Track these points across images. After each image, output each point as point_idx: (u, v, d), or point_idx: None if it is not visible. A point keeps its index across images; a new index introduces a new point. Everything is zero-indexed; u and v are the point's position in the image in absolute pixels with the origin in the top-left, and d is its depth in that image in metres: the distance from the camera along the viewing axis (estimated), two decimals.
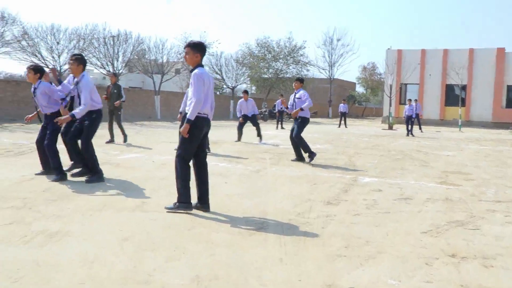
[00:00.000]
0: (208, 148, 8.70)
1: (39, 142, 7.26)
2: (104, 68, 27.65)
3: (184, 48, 5.47)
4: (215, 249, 4.10)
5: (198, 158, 5.48)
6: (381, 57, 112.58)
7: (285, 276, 3.54)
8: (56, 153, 6.99)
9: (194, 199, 5.47)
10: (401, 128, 27.74)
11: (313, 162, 9.97)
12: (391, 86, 31.44)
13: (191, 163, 5.41)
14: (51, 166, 7.10)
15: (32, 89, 7.21)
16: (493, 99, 36.95)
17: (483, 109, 37.14)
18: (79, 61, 7.05)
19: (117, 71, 27.73)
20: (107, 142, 12.62)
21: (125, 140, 12.98)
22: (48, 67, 25.01)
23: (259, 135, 15.17)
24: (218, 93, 47.34)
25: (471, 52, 37.44)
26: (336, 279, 3.51)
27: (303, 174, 8.49)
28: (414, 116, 23.06)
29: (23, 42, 23.36)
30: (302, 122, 10.14)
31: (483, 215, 5.64)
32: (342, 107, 29.69)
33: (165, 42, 36.73)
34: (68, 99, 7.28)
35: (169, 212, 5.31)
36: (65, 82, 7.50)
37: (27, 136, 13.96)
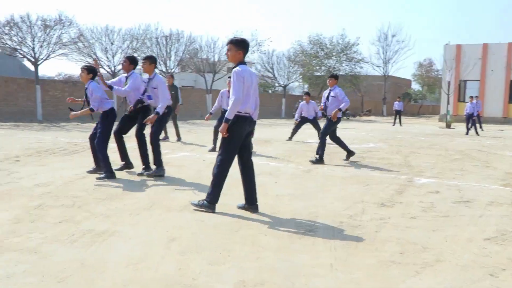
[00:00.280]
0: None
1: (92, 139, 7.38)
2: (157, 68, 28.03)
3: (227, 45, 5.32)
4: (261, 253, 3.96)
5: (243, 159, 5.36)
6: (438, 53, 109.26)
7: (334, 284, 3.35)
8: (104, 151, 7.09)
9: (242, 200, 5.37)
10: (460, 127, 26.69)
11: (365, 162, 9.66)
12: (449, 82, 30.28)
13: (236, 164, 5.30)
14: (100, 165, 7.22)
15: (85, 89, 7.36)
16: None
17: None
18: (150, 60, 7.57)
19: (169, 71, 28.15)
20: (162, 140, 12.90)
21: (178, 139, 13.32)
22: (99, 69, 25.74)
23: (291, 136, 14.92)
24: (270, 91, 47.27)
25: None
26: None
27: (355, 174, 8.22)
28: (475, 114, 21.98)
29: (79, 44, 24.06)
30: (330, 122, 9.62)
31: None
32: (397, 105, 28.86)
33: (216, 41, 36.96)
34: (142, 96, 7.50)
35: (196, 210, 5.27)
36: (114, 80, 7.84)
37: (82, 135, 14.35)
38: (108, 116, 7.17)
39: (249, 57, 35.87)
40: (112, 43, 25.91)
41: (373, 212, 5.46)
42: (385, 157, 11.03)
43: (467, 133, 21.07)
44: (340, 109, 9.38)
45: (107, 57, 26.07)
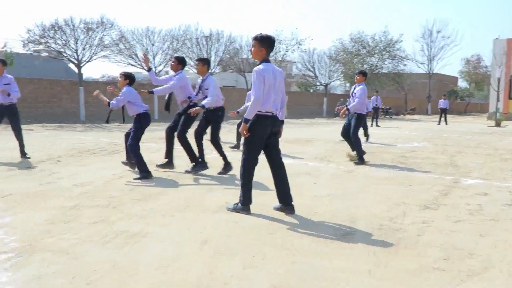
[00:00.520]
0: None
1: (127, 136, 7.48)
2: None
3: (252, 41, 5.15)
4: (297, 257, 3.80)
5: (271, 158, 5.21)
6: (487, 48, 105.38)
7: None
8: (137, 152, 7.12)
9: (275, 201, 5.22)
10: (511, 125, 25.61)
11: (408, 162, 9.31)
12: (499, 79, 29.15)
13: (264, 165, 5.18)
14: (137, 166, 7.23)
15: None
16: None
17: None
18: (203, 61, 7.87)
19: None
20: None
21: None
22: (148, 63, 26.09)
23: (366, 135, 14.44)
24: (311, 90, 46.84)
25: None
26: None
27: (398, 175, 7.92)
28: None
29: (121, 45, 24.46)
30: (357, 119, 9.34)
31: None
32: (442, 103, 27.93)
33: None
34: (195, 97, 7.75)
35: (230, 211, 5.18)
36: (164, 77, 8.35)
37: (123, 135, 14.50)
38: (140, 119, 7.26)
39: (289, 56, 35.71)
40: (153, 44, 26.25)
41: (416, 214, 5.20)
42: (430, 156, 10.62)
43: None
44: (347, 109, 9.20)
45: (148, 58, 26.39)
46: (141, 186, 6.51)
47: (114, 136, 14.35)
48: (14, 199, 5.59)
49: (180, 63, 7.78)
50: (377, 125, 23.78)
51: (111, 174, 7.39)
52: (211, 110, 7.55)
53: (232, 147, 11.16)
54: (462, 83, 67.88)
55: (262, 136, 5.03)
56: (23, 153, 8.87)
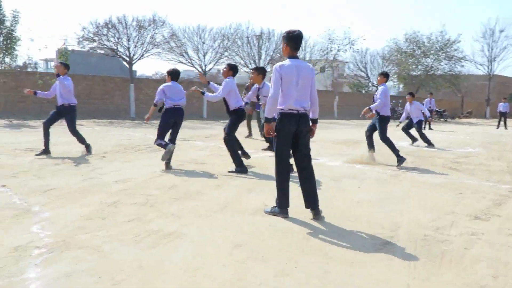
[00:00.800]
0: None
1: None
2: (248, 67, 28.28)
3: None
4: (331, 265, 3.61)
5: (296, 160, 5.02)
6: None
7: None
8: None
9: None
10: None
11: (461, 168, 8.85)
12: None
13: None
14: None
15: None
16: None
17: None
18: (258, 71, 8.51)
19: None
20: (246, 137, 13.15)
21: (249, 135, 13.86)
22: (194, 67, 26.43)
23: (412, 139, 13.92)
24: (363, 91, 45.97)
25: None
26: None
27: (448, 181, 7.52)
28: None
29: (172, 43, 24.80)
30: (381, 121, 9.22)
31: None
32: (501, 107, 26.65)
33: (307, 40, 36.51)
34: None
35: (267, 214, 5.04)
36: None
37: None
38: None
39: (341, 56, 35.15)
40: (203, 43, 26.43)
41: (464, 225, 4.87)
42: (484, 163, 10.07)
43: None
44: (369, 108, 9.18)
45: (198, 56, 26.67)
46: (180, 185, 6.47)
47: None
48: (56, 194, 5.67)
49: (231, 69, 7.91)
50: (430, 128, 22.98)
51: (153, 171, 7.41)
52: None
53: (264, 149, 10.99)
54: None
55: (287, 135, 4.86)
56: (87, 149, 9.09)
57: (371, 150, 9.58)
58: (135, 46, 22.25)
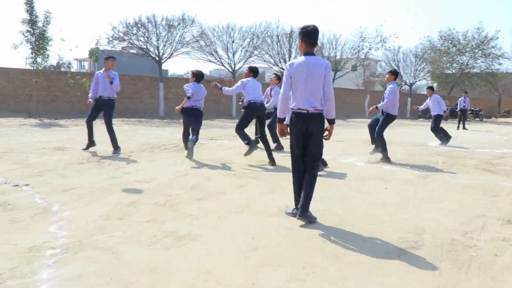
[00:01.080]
0: (324, 163, 7.91)
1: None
2: (277, 66, 28.08)
3: None
4: (350, 271, 3.45)
5: (306, 160, 4.81)
6: None
7: None
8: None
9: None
10: None
11: (495, 170, 8.50)
12: None
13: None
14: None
15: None
16: None
17: None
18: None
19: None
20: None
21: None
22: (224, 66, 26.43)
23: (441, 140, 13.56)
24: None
25: None
26: None
27: (480, 183, 7.20)
28: None
29: (201, 42, 24.81)
30: (385, 119, 9.37)
31: None
32: None
33: (338, 38, 36.10)
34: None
35: (288, 215, 4.91)
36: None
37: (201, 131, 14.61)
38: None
39: (373, 54, 34.56)
40: (233, 41, 26.37)
41: (496, 230, 4.62)
42: None
43: None
44: (376, 107, 9.37)
45: (228, 55, 26.63)
46: (202, 185, 6.39)
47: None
48: (78, 192, 5.67)
49: (251, 71, 8.70)
50: (464, 128, 22.37)
51: (177, 171, 7.36)
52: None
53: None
54: None
55: (297, 135, 4.72)
56: (115, 147, 9.16)
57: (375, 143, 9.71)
58: (164, 45, 22.38)
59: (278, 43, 28.36)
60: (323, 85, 4.62)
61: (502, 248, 4.06)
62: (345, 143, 12.76)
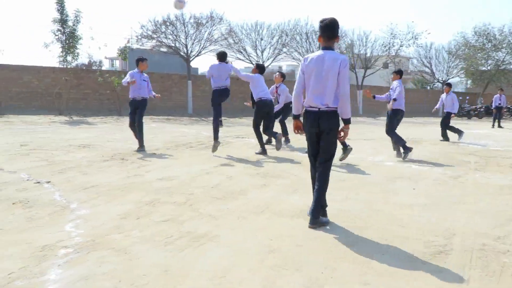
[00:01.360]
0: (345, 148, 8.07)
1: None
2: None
3: None
4: (372, 276, 3.25)
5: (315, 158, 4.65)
6: None
7: None
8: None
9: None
10: None
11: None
12: None
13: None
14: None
15: None
16: None
17: None
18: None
19: None
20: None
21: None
22: (252, 63, 26.25)
23: (458, 133, 13.26)
24: (428, 88, 44.19)
25: None
26: None
27: None
28: None
29: (230, 40, 24.73)
30: (393, 114, 9.35)
31: None
32: None
33: (368, 35, 35.49)
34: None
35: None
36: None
37: (225, 129, 14.55)
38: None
39: (404, 51, 33.88)
40: (261, 39, 26.21)
41: None
42: None
43: None
44: (394, 99, 9.22)
45: (256, 53, 26.48)
46: (223, 183, 6.27)
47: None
48: (97, 191, 5.62)
49: (257, 68, 9.54)
50: (499, 126, 21.65)
51: (200, 169, 7.27)
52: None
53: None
54: None
55: (309, 134, 4.53)
56: (140, 145, 9.20)
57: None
58: (193, 43, 22.39)
59: (307, 41, 28.05)
60: (337, 81, 4.34)
61: None
62: (375, 142, 12.47)
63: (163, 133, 13.08)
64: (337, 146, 4.59)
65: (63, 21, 18.15)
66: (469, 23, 72.08)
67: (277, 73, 11.22)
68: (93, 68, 28.70)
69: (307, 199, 5.42)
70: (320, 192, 4.42)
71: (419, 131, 17.51)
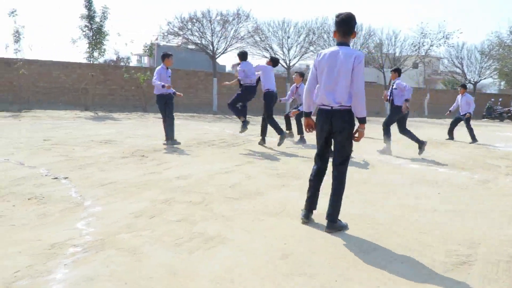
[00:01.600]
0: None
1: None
2: None
3: None
4: (388, 286, 3.08)
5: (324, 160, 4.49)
6: None
7: None
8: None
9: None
10: None
11: None
12: None
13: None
14: None
15: None
16: None
17: None
18: (300, 75, 11.03)
19: None
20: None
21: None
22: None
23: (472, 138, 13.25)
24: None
25: None
26: None
27: None
28: None
29: (256, 37, 24.59)
30: (394, 110, 9.83)
31: None
32: None
33: (398, 34, 34.88)
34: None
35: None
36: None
37: (253, 127, 14.41)
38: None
39: (435, 51, 33.19)
40: (288, 37, 25.99)
41: None
42: None
43: None
44: (407, 100, 9.55)
45: (283, 51, 26.28)
46: (241, 183, 6.14)
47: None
48: (114, 187, 5.57)
49: (271, 61, 10.12)
50: None
51: (219, 168, 7.16)
52: None
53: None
54: None
55: (320, 133, 4.36)
56: (167, 139, 9.40)
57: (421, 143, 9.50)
58: (219, 41, 22.37)
59: (335, 39, 27.63)
60: (351, 78, 4.14)
61: None
62: (400, 144, 12.16)
63: (187, 130, 13.04)
64: (352, 147, 4.41)
65: (90, 17, 18.34)
66: (505, 23, 70.12)
67: (295, 73, 11.26)
68: (121, 64, 28.93)
69: (325, 203, 5.25)
70: (336, 196, 4.27)
71: (442, 132, 17.03)
